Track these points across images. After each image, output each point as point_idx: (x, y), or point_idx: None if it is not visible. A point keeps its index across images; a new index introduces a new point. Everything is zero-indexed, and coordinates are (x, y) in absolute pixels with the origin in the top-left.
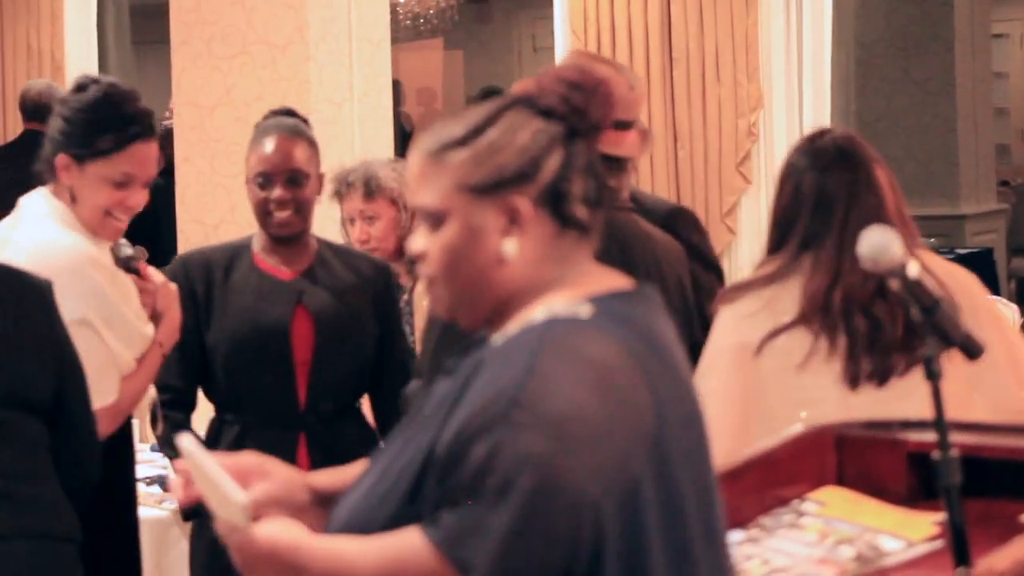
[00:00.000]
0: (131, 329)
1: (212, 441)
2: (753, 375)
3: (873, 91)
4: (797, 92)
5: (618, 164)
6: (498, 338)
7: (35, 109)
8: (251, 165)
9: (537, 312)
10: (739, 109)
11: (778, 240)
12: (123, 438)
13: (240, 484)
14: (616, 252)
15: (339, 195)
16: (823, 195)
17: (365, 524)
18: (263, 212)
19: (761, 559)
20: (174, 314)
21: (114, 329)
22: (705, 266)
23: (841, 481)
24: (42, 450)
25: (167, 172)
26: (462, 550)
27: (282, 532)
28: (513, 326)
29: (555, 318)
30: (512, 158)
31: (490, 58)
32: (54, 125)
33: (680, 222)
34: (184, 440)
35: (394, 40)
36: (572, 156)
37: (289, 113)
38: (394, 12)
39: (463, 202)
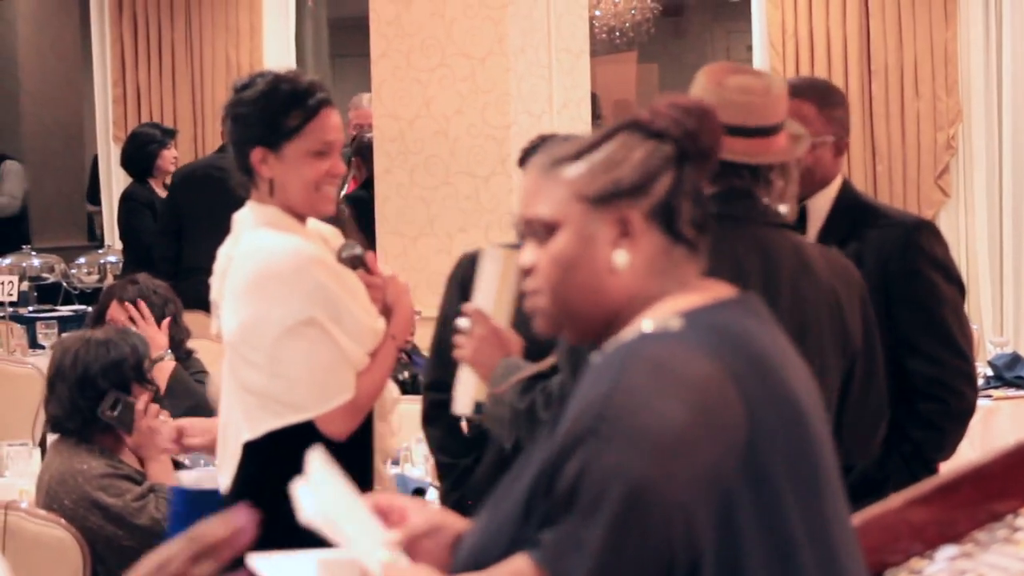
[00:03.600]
0: (360, 324)
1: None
2: None
3: None
4: (996, 105)
5: (754, 172)
6: (596, 356)
7: None
8: None
9: (631, 329)
10: (938, 122)
11: None
12: (362, 444)
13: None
14: (759, 264)
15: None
16: None
17: (489, 551)
18: None
19: (975, 574)
20: (405, 306)
21: (343, 325)
22: (947, 278)
23: None
24: None
25: (367, 184)
26: (561, 566)
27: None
28: (611, 344)
29: (645, 333)
30: (628, 171)
31: (684, 72)
32: (235, 130)
33: (924, 234)
34: (320, 471)
35: (590, 53)
36: (682, 178)
37: None
38: (590, 25)
39: (578, 212)
